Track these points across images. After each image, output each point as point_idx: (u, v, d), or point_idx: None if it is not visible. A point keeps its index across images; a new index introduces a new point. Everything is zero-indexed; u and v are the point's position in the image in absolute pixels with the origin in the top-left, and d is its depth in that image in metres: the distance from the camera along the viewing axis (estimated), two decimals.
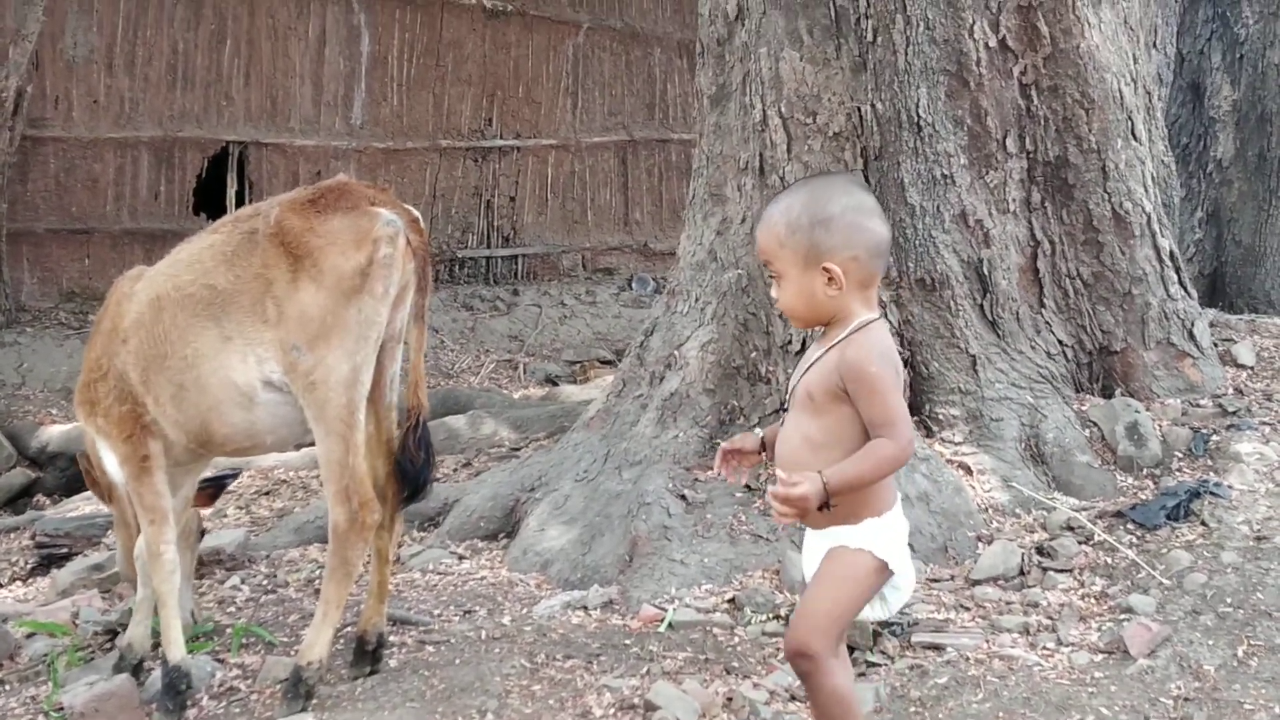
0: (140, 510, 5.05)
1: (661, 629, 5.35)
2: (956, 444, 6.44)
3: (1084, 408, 6.72)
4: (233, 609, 6.02)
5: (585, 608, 5.68)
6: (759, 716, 4.59)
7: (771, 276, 3.73)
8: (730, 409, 6.56)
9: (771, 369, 6.54)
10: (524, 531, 6.52)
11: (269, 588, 6.32)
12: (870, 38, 6.57)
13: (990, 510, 6.20)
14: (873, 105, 6.58)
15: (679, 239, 7.42)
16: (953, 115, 6.62)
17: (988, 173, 6.66)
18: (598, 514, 6.29)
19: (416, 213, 4.92)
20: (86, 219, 14.62)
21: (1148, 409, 6.67)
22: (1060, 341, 6.82)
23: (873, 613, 3.83)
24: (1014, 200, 6.72)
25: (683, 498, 6.16)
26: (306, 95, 15.72)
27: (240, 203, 15.22)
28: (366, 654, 5.04)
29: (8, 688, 5.45)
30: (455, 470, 8.21)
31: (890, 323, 6.50)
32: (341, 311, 4.59)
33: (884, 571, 3.63)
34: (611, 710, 4.62)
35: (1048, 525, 6.04)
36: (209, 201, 15.23)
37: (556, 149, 17.14)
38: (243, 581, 6.39)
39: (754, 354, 6.62)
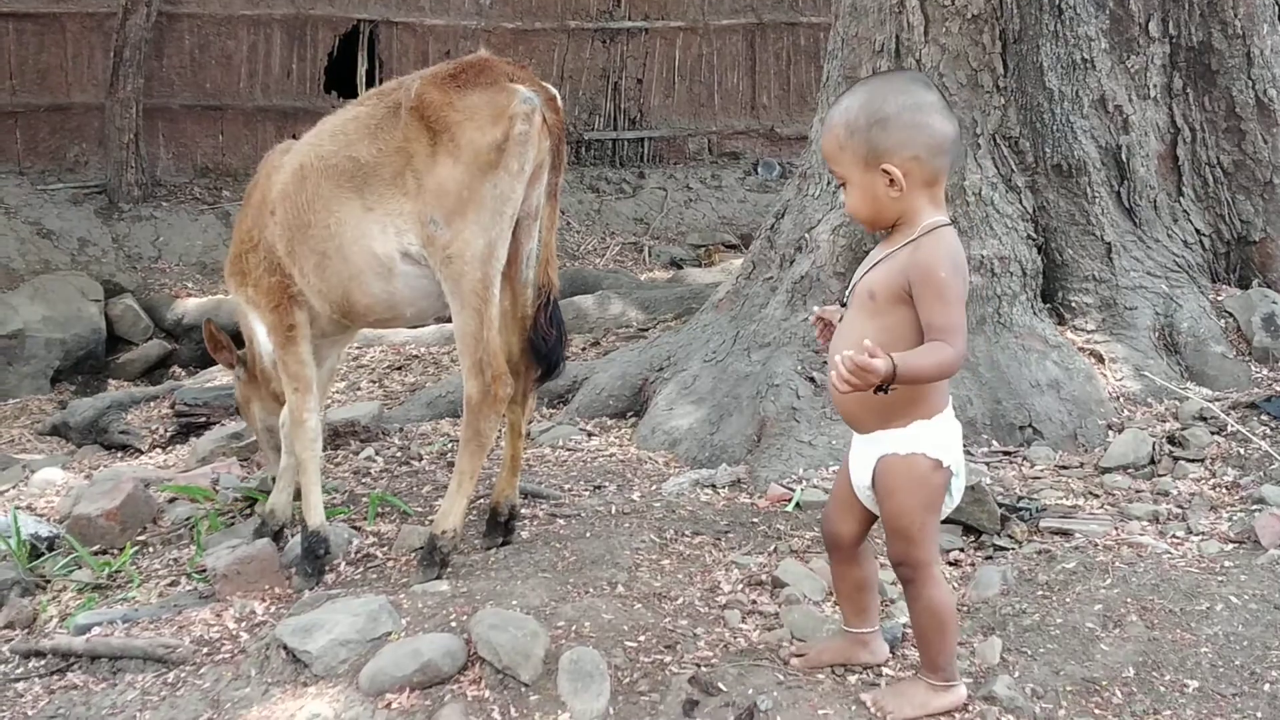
0: (285, 378, 5.16)
1: (789, 508, 5.38)
2: (1089, 332, 6.40)
3: (1219, 298, 6.65)
4: (368, 479, 6.14)
5: (713, 486, 5.74)
6: (885, 596, 4.55)
7: (839, 182, 3.65)
8: None
9: None
10: (652, 410, 6.59)
11: (402, 459, 6.43)
12: None
13: (1121, 399, 6.17)
14: None
15: (807, 123, 7.37)
16: None
17: (1129, 57, 6.56)
18: (726, 394, 6.33)
19: (554, 90, 4.88)
20: (220, 95, 14.81)
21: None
22: (1197, 230, 6.75)
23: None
24: (1155, 86, 6.62)
25: (811, 380, 6.17)
26: None
27: (370, 82, 15.30)
28: (499, 525, 5.13)
29: (151, 549, 5.61)
30: (583, 349, 8.28)
31: (1024, 207, 6.45)
32: (477, 187, 4.61)
33: (942, 469, 3.61)
34: (739, 586, 4.66)
35: (1179, 415, 6.01)
36: (339, 80, 15.31)
37: (684, 31, 16.99)
38: (377, 453, 6.52)
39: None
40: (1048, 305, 6.44)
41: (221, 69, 14.76)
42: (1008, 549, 5.00)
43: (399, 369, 8.35)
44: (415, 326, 6.56)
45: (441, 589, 4.55)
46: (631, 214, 15.58)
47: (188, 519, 5.85)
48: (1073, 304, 6.47)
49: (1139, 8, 6.53)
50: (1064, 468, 5.72)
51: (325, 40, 15.21)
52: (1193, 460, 5.62)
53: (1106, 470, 5.63)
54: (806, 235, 6.73)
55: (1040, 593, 4.56)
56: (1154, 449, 5.69)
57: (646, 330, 8.41)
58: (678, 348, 6.95)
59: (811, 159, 7.02)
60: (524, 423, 5.19)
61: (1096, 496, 5.44)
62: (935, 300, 3.42)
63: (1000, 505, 5.17)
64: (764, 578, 4.71)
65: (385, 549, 5.24)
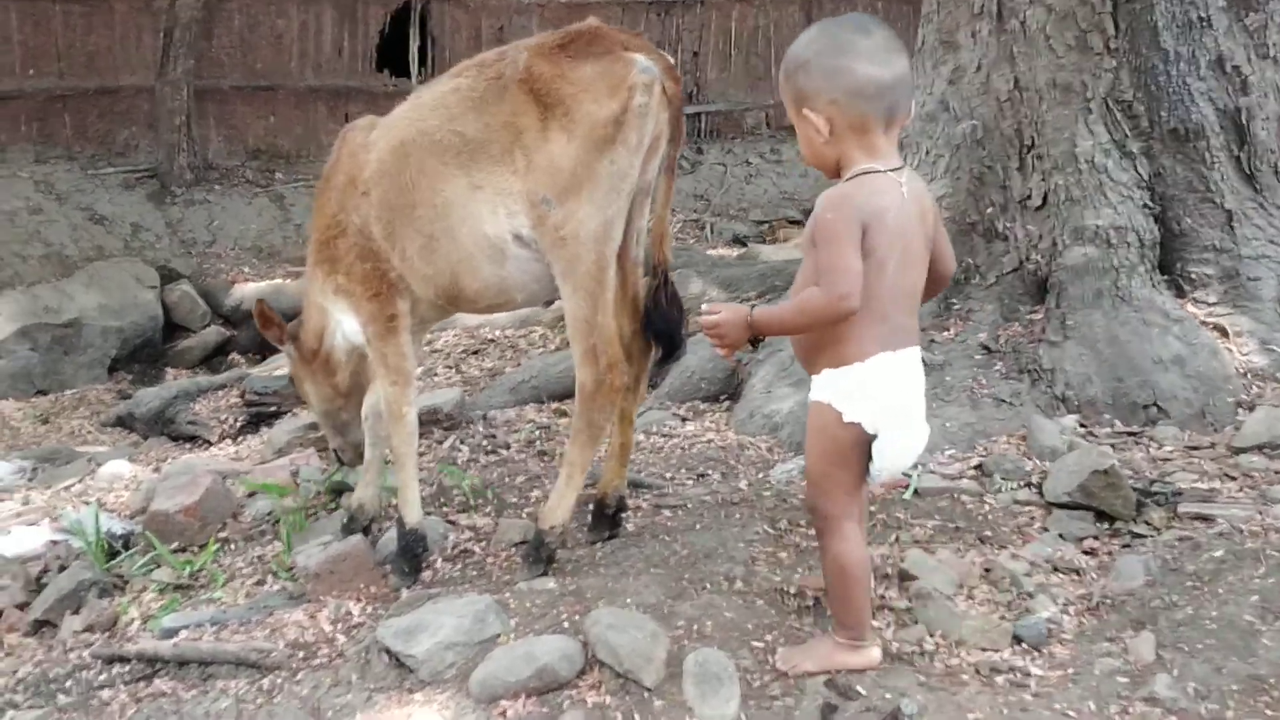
0: (384, 370, 4.88)
1: (906, 495, 5.10)
2: (1210, 305, 6.08)
3: None
4: (456, 470, 5.89)
5: None
6: (1021, 589, 4.31)
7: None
8: (965, 268, 6.24)
9: (1009, 225, 6.22)
10: (749, 393, 6.33)
11: (489, 448, 6.18)
12: None
13: (1249, 374, 5.85)
14: None
15: None
16: None
17: (1247, 15, 6.23)
18: None
19: (670, 59, 4.59)
20: (271, 76, 14.69)
21: None
22: None
23: (874, 479, 3.71)
24: (1274, 45, 6.28)
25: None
26: None
27: (423, 60, 15.15)
28: (606, 517, 4.87)
29: (232, 546, 5.41)
30: None
31: (1139, 174, 6.14)
32: (593, 163, 4.31)
33: (849, 425, 3.52)
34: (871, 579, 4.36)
35: None
36: (392, 59, 15.10)
37: (740, 3, 16.80)
38: (461, 441, 6.28)
39: (990, 209, 6.30)
40: (1166, 277, 6.12)
41: (272, 49, 14.64)
42: (1145, 536, 4.70)
43: (475, 354, 8.11)
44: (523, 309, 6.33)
45: (549, 586, 4.33)
46: (691, 190, 15.38)
47: (269, 514, 5.65)
48: (1192, 275, 6.15)
49: None
50: (1194, 448, 5.41)
51: (376, 18, 15.06)
52: None
53: (1241, 450, 5.31)
54: None
55: (1189, 583, 4.25)
56: None
57: None
58: None
59: (907, 127, 6.70)
60: (635, 410, 4.92)
61: (1233, 479, 5.11)
62: (817, 243, 3.44)
63: (1133, 490, 4.87)
64: (889, 570, 4.43)
65: (483, 544, 5.00)
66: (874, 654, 3.71)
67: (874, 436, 3.54)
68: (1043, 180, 6.12)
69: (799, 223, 14.22)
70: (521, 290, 4.69)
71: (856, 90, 3.38)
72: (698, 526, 4.85)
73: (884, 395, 3.53)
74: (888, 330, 3.52)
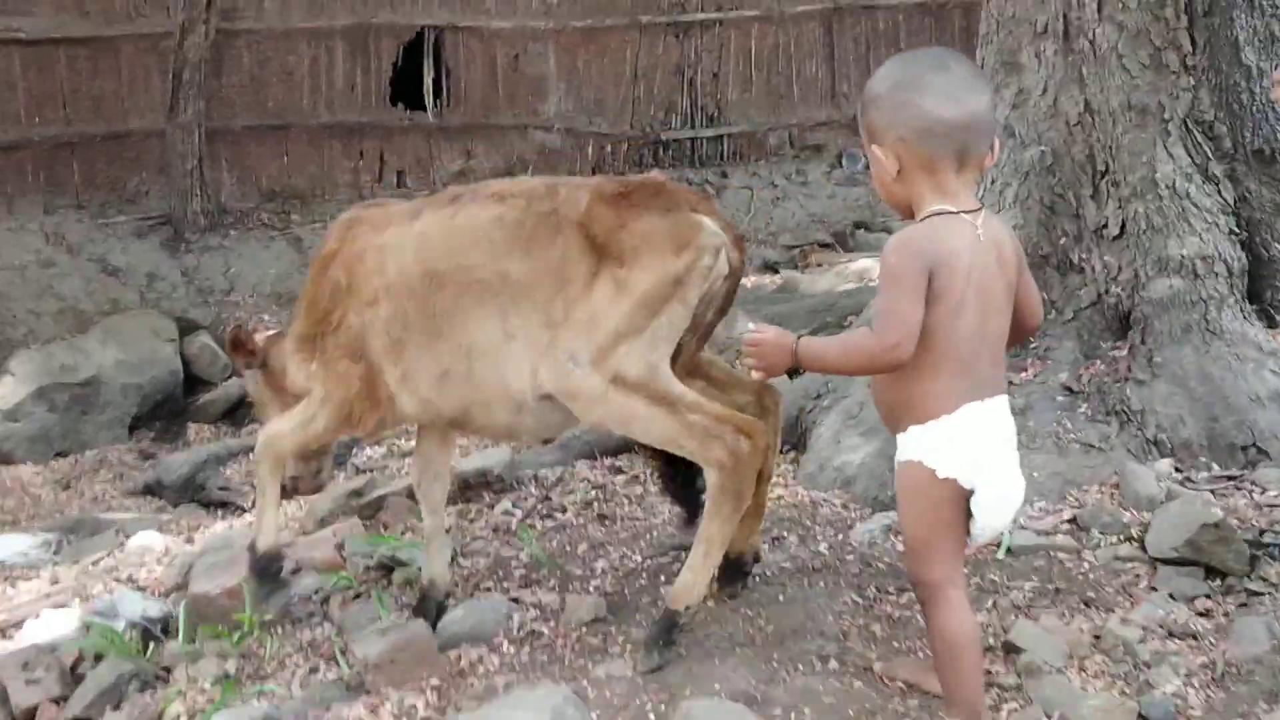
0: (297, 424, 4.75)
1: (1000, 555, 4.80)
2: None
3: None
4: (511, 537, 5.58)
5: None
6: (1137, 658, 4.05)
7: None
8: (1041, 302, 5.93)
9: (1084, 256, 5.91)
10: (816, 444, 6.03)
11: (544, 512, 5.88)
12: None
13: None
14: None
15: None
16: None
17: None
18: None
19: (738, 229, 4.47)
20: (283, 114, 14.46)
21: None
22: None
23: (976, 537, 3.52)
24: None
25: None
26: None
27: (438, 92, 14.93)
28: (742, 574, 4.63)
29: (280, 631, 5.08)
30: None
31: (1224, 200, 5.83)
32: (643, 321, 4.11)
33: (944, 482, 3.36)
34: None
35: None
36: (405, 91, 14.89)
37: (759, 20, 16.50)
38: (514, 505, 5.96)
39: (1063, 240, 5.99)
40: (1255, 307, 5.83)
41: (283, 86, 14.38)
42: (1262, 594, 4.43)
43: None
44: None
45: (625, 673, 4.07)
46: None
47: (317, 591, 5.32)
48: None
49: None
50: None
51: (389, 49, 14.81)
52: None
53: None
54: None
55: None
56: None
57: None
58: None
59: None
60: (773, 467, 4.66)
61: None
62: (879, 286, 3.38)
63: (1244, 542, 4.58)
64: (992, 641, 4.15)
65: (551, 623, 4.64)
66: None
67: (971, 492, 3.37)
68: (1119, 208, 5.83)
69: (830, 246, 14.05)
70: (531, 433, 4.64)
71: (924, 129, 3.28)
72: (781, 598, 4.56)
73: (976, 447, 3.38)
74: (973, 380, 3.36)
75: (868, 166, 12.35)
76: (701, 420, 4.12)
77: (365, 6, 14.68)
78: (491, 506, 6.00)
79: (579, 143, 15.95)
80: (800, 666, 4.03)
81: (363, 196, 14.25)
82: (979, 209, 3.41)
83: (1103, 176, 5.92)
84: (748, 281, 12.10)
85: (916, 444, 3.41)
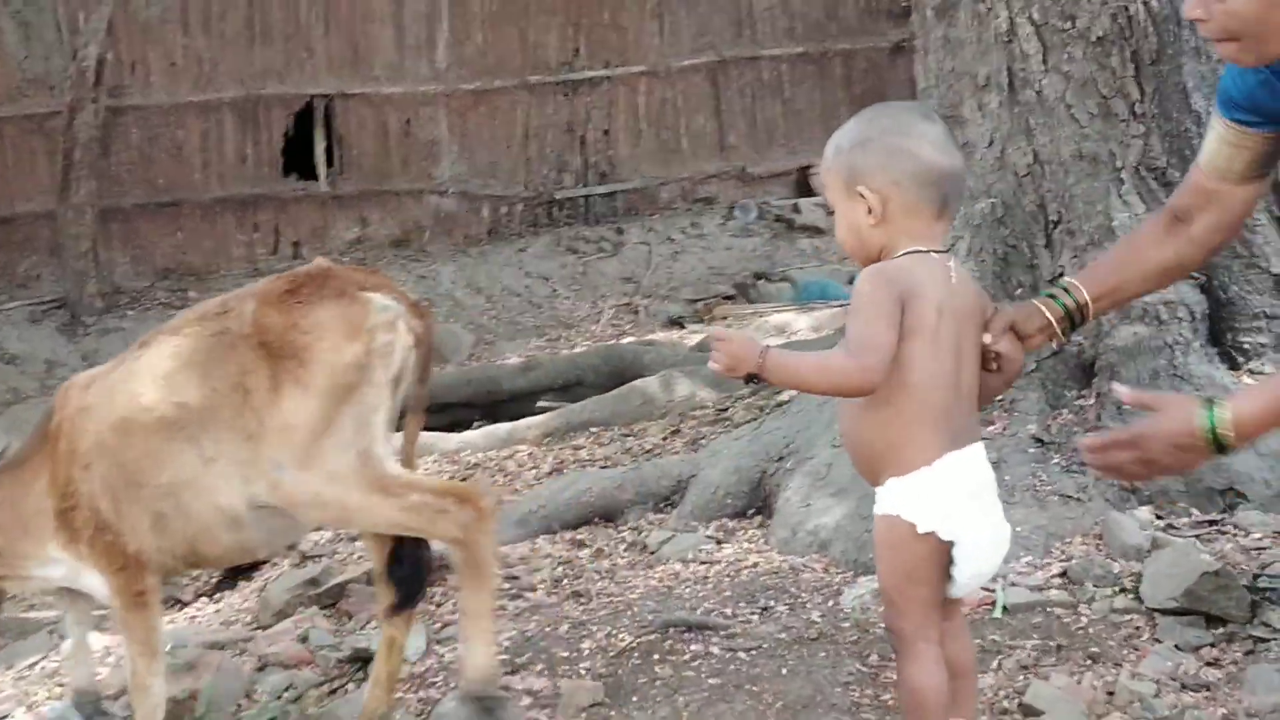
0: (131, 641, 4.58)
1: (996, 614, 4.74)
2: (1267, 375, 5.81)
3: None
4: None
5: None
6: (1155, 713, 4.01)
7: (829, 211, 3.48)
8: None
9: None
10: (784, 508, 5.94)
11: (513, 591, 5.74)
12: None
13: None
14: (1144, 3, 5.88)
15: (777, 160, 6.86)
16: None
17: None
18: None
19: (412, 297, 4.42)
20: (174, 190, 14.25)
21: None
22: None
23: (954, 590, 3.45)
24: None
25: None
26: (389, 39, 15.25)
27: (330, 160, 14.84)
28: None
29: None
30: (665, 438, 7.68)
31: None
32: (334, 413, 4.12)
33: (923, 536, 3.27)
34: (984, 716, 4.05)
35: None
36: (297, 161, 14.74)
37: (646, 75, 16.58)
38: None
39: (1019, 291, 5.97)
40: (1218, 348, 5.85)
41: (173, 161, 14.17)
42: (1268, 640, 4.38)
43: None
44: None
45: None
46: (617, 273, 15.21)
47: (288, 688, 5.15)
48: (1245, 346, 5.86)
49: None
50: None
51: (279, 120, 14.66)
52: None
53: None
54: None
55: None
56: None
57: (725, 410, 7.82)
58: (795, 433, 6.31)
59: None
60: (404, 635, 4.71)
61: None
62: (849, 317, 3.33)
63: (1244, 588, 4.56)
64: (1006, 704, 4.12)
65: (548, 710, 4.52)
66: None
67: (951, 544, 3.30)
68: (1075, 257, 5.82)
69: (731, 298, 14.05)
70: (267, 545, 4.60)
71: (918, 174, 3.25)
72: (784, 671, 4.48)
73: (957, 499, 3.31)
74: (952, 428, 3.30)
75: (760, 216, 12.52)
76: (423, 499, 4.19)
77: (254, 78, 14.53)
78: (457, 588, 5.85)
79: (474, 205, 15.90)
80: None
81: (259, 270, 14.10)
82: (949, 251, 3.40)
83: (1055, 226, 5.93)
84: (654, 335, 12.11)
85: (896, 497, 3.34)
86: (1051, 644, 4.50)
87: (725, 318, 13.07)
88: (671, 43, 16.65)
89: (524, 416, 9.09)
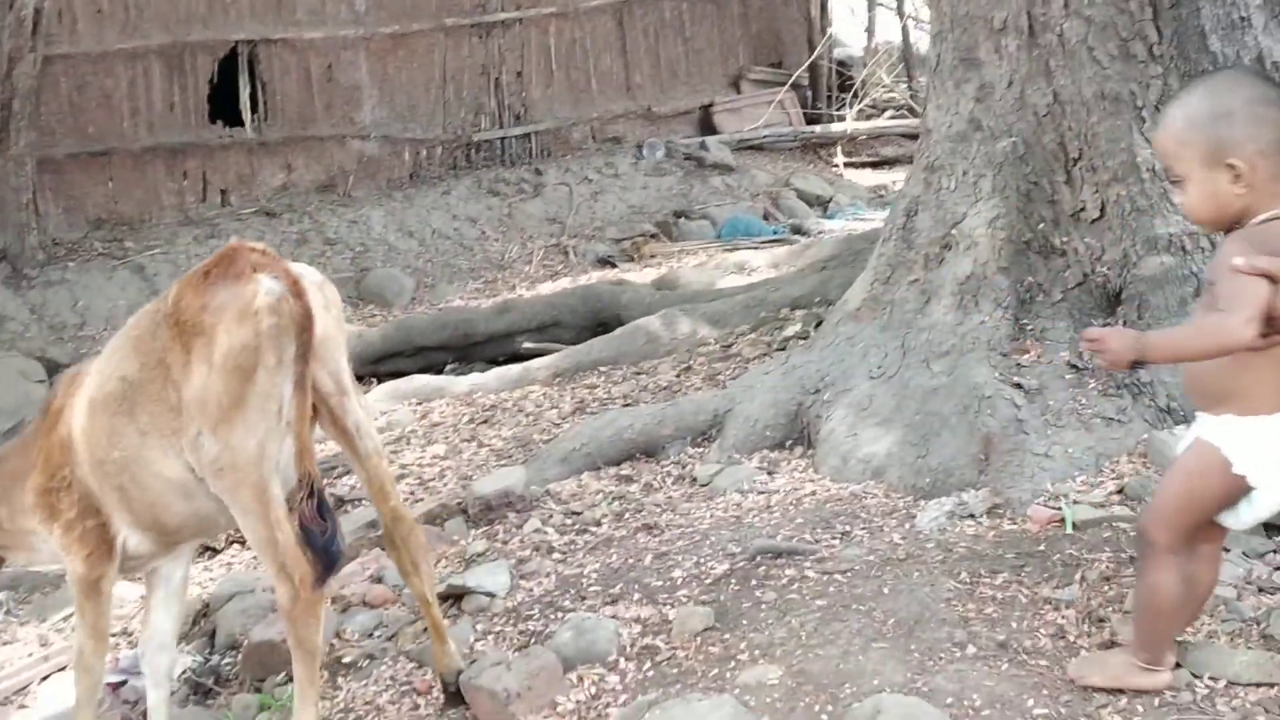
0: (82, 624, 4.80)
1: (1068, 530, 5.00)
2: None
3: None
4: (559, 557, 5.62)
5: (972, 515, 5.31)
6: (1242, 615, 4.24)
7: (1173, 181, 3.51)
8: (1029, 286, 6.18)
9: (1065, 240, 6.17)
10: (830, 438, 6.16)
11: (577, 527, 5.92)
12: None
13: None
14: None
15: (681, 99, 7.01)
16: None
17: None
18: (917, 412, 5.91)
19: (299, 271, 4.47)
20: (104, 139, 14.02)
21: None
22: None
23: (1227, 520, 3.67)
24: None
25: (1019, 386, 5.82)
26: None
27: (254, 106, 14.71)
28: (452, 695, 4.73)
29: (351, 671, 5.09)
30: (678, 374, 7.81)
31: None
32: (238, 390, 4.24)
33: (1233, 475, 3.46)
34: (1083, 625, 4.29)
35: None
36: (223, 108, 14.59)
37: (556, 17, 16.69)
38: (544, 523, 5.99)
39: (1042, 225, 6.24)
40: None
41: (102, 110, 13.92)
42: None
43: (485, 422, 7.78)
44: None
45: (768, 679, 4.12)
46: (542, 214, 15.24)
47: (377, 627, 5.41)
48: None
49: None
50: None
51: (205, 67, 14.48)
52: None
53: None
54: (954, 231, 6.35)
55: None
56: None
57: (730, 346, 7.98)
58: (829, 365, 6.51)
59: (935, 149, 6.63)
60: (428, 587, 4.81)
61: None
62: (1217, 281, 3.35)
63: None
64: (1102, 615, 4.30)
65: (662, 636, 4.69)
66: (1165, 678, 3.75)
67: (1251, 490, 3.49)
68: (1096, 193, 6.09)
69: (655, 236, 14.20)
70: (224, 513, 4.55)
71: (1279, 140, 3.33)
72: (885, 590, 4.67)
73: (1277, 453, 3.46)
74: None
75: (668, 155, 12.66)
76: (286, 542, 4.29)
77: (179, 24, 14.35)
78: (519, 526, 6.01)
79: (395, 149, 15.90)
80: (942, 655, 4.12)
81: (189, 218, 14.04)
82: None
83: (1075, 163, 6.16)
84: (585, 277, 12.22)
85: (1226, 431, 3.46)
86: (1125, 555, 4.70)
87: (654, 255, 13.22)
88: None
89: (499, 358, 9.23)
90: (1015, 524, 5.20)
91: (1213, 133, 3.35)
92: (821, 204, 15.78)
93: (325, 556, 4.37)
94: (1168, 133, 3.47)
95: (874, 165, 18.12)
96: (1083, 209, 6.13)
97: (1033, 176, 6.28)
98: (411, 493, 6.81)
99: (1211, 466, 3.47)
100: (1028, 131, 6.28)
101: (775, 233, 13.67)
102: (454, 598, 5.35)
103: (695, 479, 6.25)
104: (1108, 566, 4.66)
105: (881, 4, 21.07)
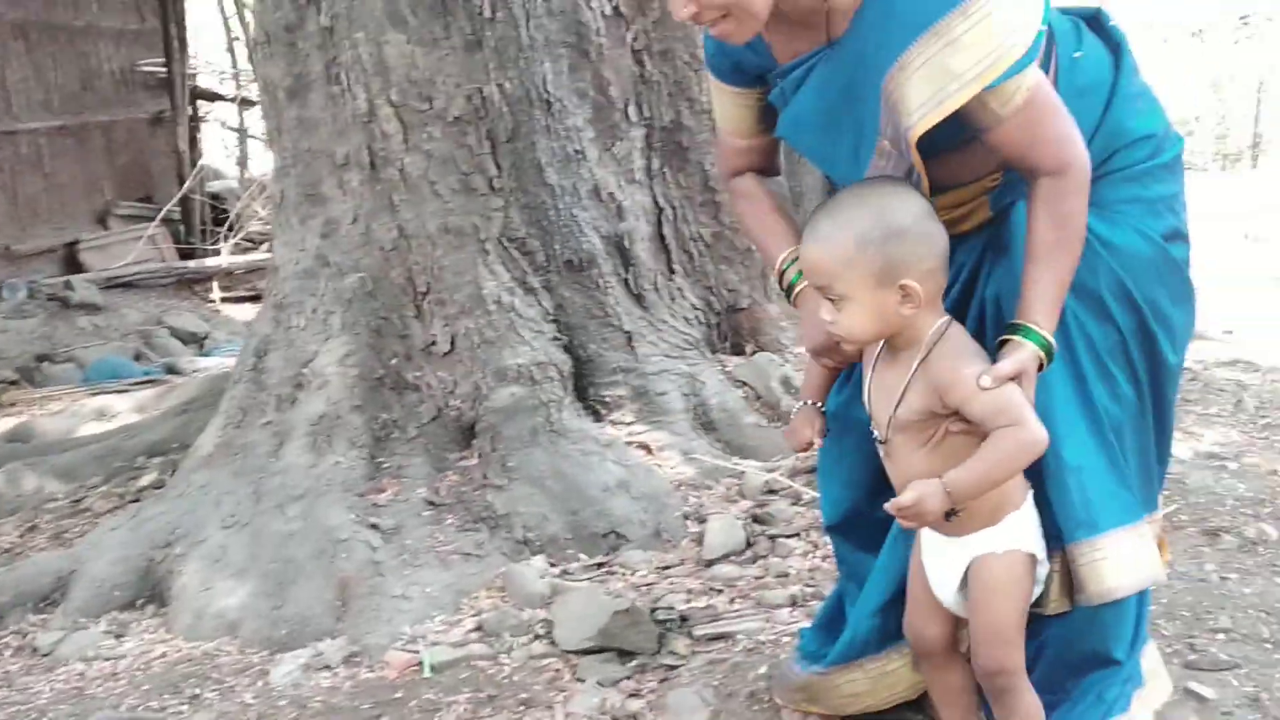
0: None
1: (426, 674, 4.90)
2: (629, 424, 6.29)
3: (729, 368, 6.73)
4: None
5: (328, 666, 5.12)
6: None
7: (829, 298, 3.26)
8: (384, 424, 6.10)
9: (418, 374, 6.16)
10: (183, 594, 5.80)
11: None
12: (489, 14, 6.24)
13: (682, 486, 6.08)
14: (499, 85, 6.25)
15: (44, 238, 6.87)
16: (576, 88, 6.47)
17: (614, 144, 6.56)
18: (272, 560, 5.67)
19: None
20: None
21: (784, 361, 6.75)
22: (693, 305, 6.83)
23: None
24: (639, 169, 6.64)
25: (375, 527, 5.69)
26: None
27: None
28: None
29: None
30: (22, 535, 7.19)
31: (545, 309, 6.27)
32: None
33: (1035, 562, 3.39)
34: None
35: (745, 491, 6.01)
36: None
37: None
38: None
39: (395, 361, 6.20)
40: (583, 403, 6.28)
41: None
42: (677, 666, 4.74)
43: None
44: None
45: None
46: None
47: None
48: (607, 399, 6.33)
49: (617, 94, 6.55)
50: (666, 568, 5.55)
51: None
52: (788, 535, 5.62)
53: (712, 562, 5.51)
54: (305, 370, 6.20)
55: (754, 708, 4.35)
56: (747, 531, 5.64)
57: (80, 501, 7.44)
58: (181, 516, 6.16)
59: (284, 287, 6.47)
60: None
61: (719, 591, 5.29)
62: (968, 398, 3.16)
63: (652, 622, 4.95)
64: None
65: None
66: None
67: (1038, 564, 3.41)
68: (446, 326, 6.12)
69: (15, 383, 13.33)
70: None
71: (943, 253, 3.21)
72: None
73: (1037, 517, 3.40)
74: None
75: (31, 295, 11.95)
76: None
77: None
78: None
79: None
80: None
81: None
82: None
83: (424, 297, 6.17)
84: None
85: (1019, 530, 3.34)
86: (484, 695, 4.66)
87: (14, 404, 12.44)
88: None
89: None
90: (373, 672, 5.04)
91: (885, 253, 3.15)
92: (198, 341, 15.31)
93: None
94: (832, 253, 3.19)
95: (252, 299, 17.72)
96: (434, 343, 6.13)
97: (383, 312, 6.24)
98: None
99: (1026, 569, 3.34)
100: (375, 267, 6.24)
101: (147, 374, 13.07)
102: None
103: (36, 649, 5.73)
104: (465, 709, 4.58)
105: (254, 136, 20.91)
